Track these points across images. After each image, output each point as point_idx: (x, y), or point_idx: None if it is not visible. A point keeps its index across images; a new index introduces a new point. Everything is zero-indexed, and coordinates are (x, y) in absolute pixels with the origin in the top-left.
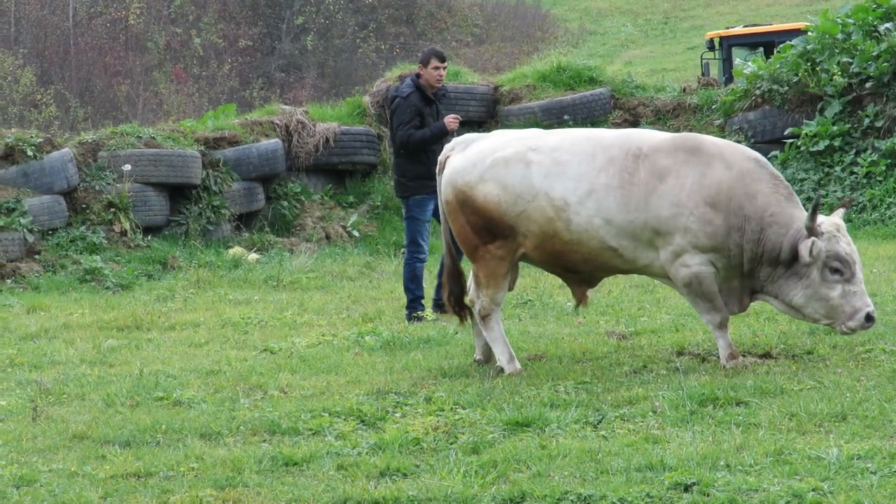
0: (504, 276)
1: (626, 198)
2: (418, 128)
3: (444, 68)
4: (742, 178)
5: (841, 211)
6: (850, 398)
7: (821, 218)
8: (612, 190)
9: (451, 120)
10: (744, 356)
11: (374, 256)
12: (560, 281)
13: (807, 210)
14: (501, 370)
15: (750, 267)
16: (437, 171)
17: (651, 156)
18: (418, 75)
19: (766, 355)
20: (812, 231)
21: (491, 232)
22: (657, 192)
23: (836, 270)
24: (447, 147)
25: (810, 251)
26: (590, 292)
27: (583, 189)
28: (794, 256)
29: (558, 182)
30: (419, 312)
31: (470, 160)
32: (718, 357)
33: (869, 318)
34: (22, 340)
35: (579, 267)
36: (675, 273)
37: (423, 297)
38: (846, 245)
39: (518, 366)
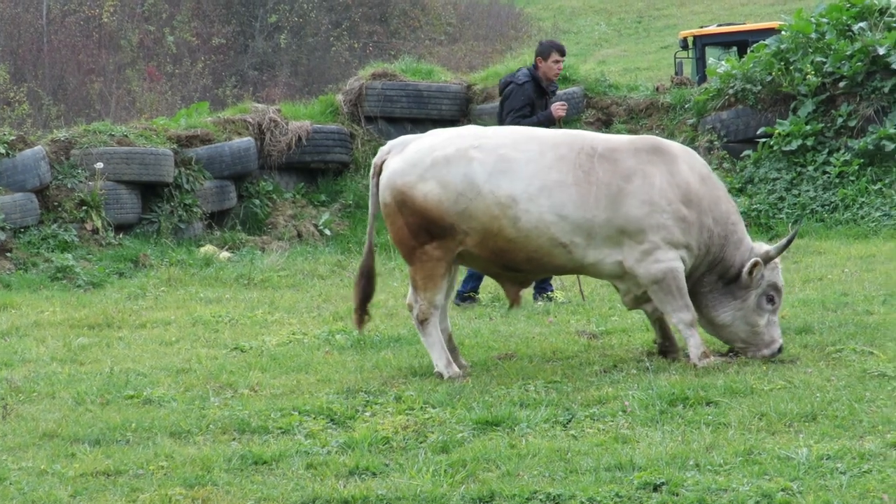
0: (442, 277)
1: (584, 195)
2: (527, 116)
3: (562, 62)
4: (705, 182)
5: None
6: (819, 398)
7: (766, 245)
8: (566, 186)
9: (558, 107)
10: (714, 355)
11: (345, 255)
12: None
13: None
14: (440, 375)
15: (703, 271)
16: (371, 172)
17: (609, 156)
18: (535, 66)
19: (736, 354)
20: (766, 258)
21: (429, 232)
22: (625, 192)
23: (770, 300)
24: (382, 150)
25: (752, 276)
26: (523, 292)
27: (534, 186)
28: (738, 275)
29: (504, 179)
30: (548, 294)
31: (409, 160)
32: (689, 356)
33: (780, 350)
34: None
35: (521, 266)
36: (646, 270)
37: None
38: (781, 277)
39: (456, 370)
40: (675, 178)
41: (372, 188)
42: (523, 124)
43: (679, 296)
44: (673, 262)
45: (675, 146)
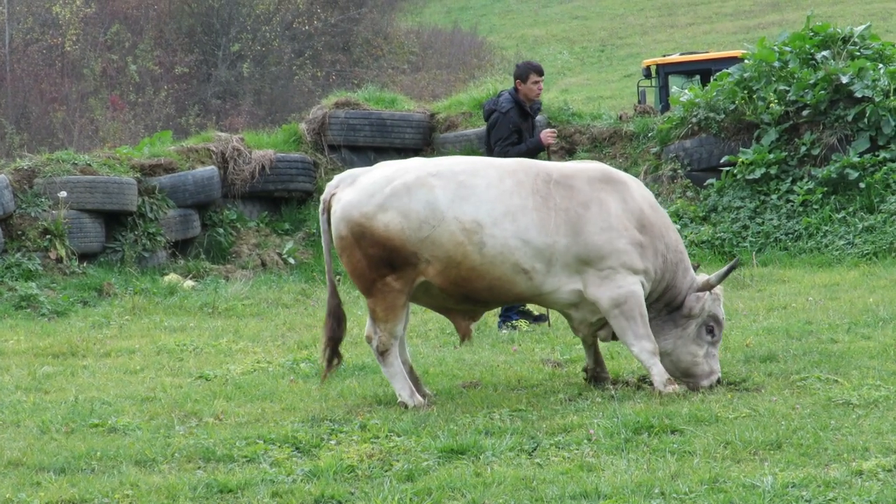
0: (402, 307)
1: (544, 220)
2: (516, 143)
3: (542, 81)
4: (655, 209)
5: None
6: (785, 426)
7: (706, 275)
8: (528, 211)
9: (547, 134)
10: (678, 384)
11: (309, 284)
12: (496, 309)
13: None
14: (404, 405)
15: (654, 298)
16: (320, 209)
17: (564, 182)
18: (515, 89)
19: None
20: (708, 287)
21: (390, 263)
22: (584, 219)
23: (710, 331)
24: (330, 185)
25: (698, 306)
26: (472, 326)
27: (498, 210)
28: (682, 303)
29: (468, 205)
30: (513, 322)
31: (366, 191)
32: (653, 385)
33: (718, 382)
34: None
35: (481, 294)
36: (607, 294)
37: (516, 308)
38: (722, 309)
39: (420, 399)
40: (628, 205)
41: (323, 224)
42: (512, 153)
43: (641, 322)
44: (634, 286)
45: (623, 174)
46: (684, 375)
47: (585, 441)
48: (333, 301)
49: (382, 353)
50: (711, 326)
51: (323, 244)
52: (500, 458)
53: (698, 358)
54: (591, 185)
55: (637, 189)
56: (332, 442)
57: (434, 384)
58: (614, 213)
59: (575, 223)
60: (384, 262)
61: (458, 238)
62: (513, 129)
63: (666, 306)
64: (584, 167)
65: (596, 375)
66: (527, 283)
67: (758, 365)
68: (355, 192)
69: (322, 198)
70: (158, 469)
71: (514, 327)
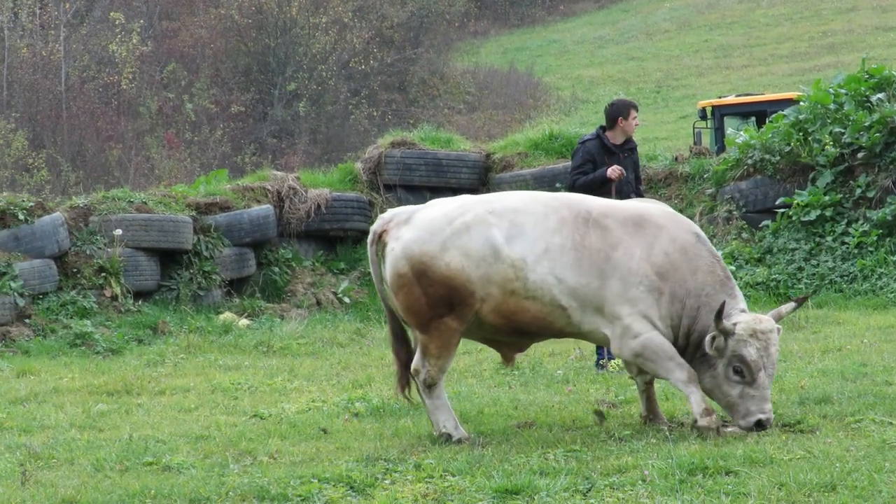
0: (456, 345)
1: (579, 260)
2: (587, 174)
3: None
4: (685, 252)
5: (789, 306)
6: (839, 468)
7: (748, 316)
8: (566, 250)
9: (612, 169)
10: (725, 424)
11: (364, 323)
12: (551, 349)
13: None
14: (449, 437)
15: (683, 343)
16: (369, 240)
17: (600, 222)
18: (603, 128)
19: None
20: (720, 329)
21: (450, 302)
22: (610, 263)
23: (738, 371)
24: (384, 217)
25: (712, 345)
26: (518, 354)
27: (539, 248)
28: None
29: (517, 242)
30: (603, 361)
31: (427, 229)
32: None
33: (759, 425)
34: (11, 404)
35: (529, 327)
36: (625, 348)
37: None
38: (755, 350)
39: (465, 433)
40: (653, 250)
41: (371, 256)
42: (580, 182)
43: (665, 358)
44: (649, 332)
45: (662, 217)
46: (726, 410)
47: (640, 482)
48: (394, 324)
49: (430, 387)
50: (739, 367)
51: (372, 273)
52: (555, 499)
53: (731, 398)
54: (623, 226)
55: (671, 233)
56: (387, 481)
57: (488, 424)
58: (637, 258)
59: (602, 266)
60: (443, 302)
61: (508, 274)
62: (588, 158)
63: (697, 348)
64: (624, 207)
65: (649, 421)
66: (566, 319)
67: (812, 407)
68: (416, 231)
69: (373, 228)
70: None
71: (602, 367)
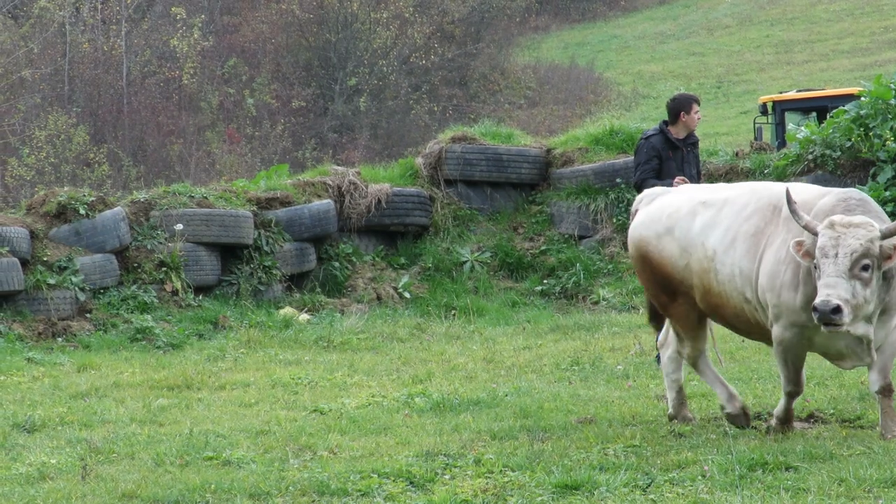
0: (696, 325)
1: (754, 247)
2: (656, 170)
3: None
4: None
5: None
6: None
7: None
8: (747, 238)
9: (678, 180)
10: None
11: (424, 318)
12: (611, 344)
13: None
14: (722, 408)
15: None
16: (630, 218)
17: (783, 210)
18: (668, 122)
19: (815, 419)
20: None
21: (668, 288)
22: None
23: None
24: (637, 199)
25: None
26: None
27: (728, 238)
28: None
29: (712, 232)
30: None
31: (650, 216)
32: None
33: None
34: (72, 399)
35: (733, 322)
36: (774, 332)
37: None
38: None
39: (738, 405)
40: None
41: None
42: (646, 185)
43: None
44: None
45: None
46: None
47: (700, 477)
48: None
49: (693, 364)
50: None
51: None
52: (615, 494)
53: None
54: (774, 213)
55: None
56: (447, 476)
57: (549, 419)
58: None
59: (765, 252)
60: (662, 287)
61: (703, 265)
62: (653, 154)
63: None
64: (823, 193)
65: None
66: (753, 312)
67: (872, 403)
68: (645, 215)
69: (631, 209)
70: (273, 502)
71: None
